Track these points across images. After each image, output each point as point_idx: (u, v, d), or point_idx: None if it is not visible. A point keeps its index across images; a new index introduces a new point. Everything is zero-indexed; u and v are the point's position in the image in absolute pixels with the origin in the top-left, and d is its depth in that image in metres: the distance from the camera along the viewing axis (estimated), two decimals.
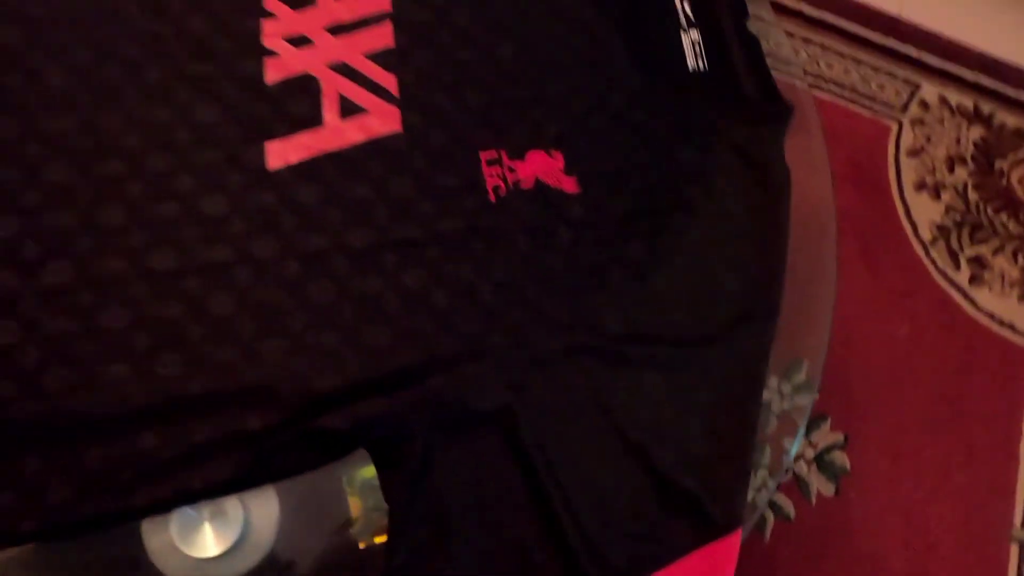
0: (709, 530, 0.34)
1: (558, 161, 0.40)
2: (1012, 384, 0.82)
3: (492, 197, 0.38)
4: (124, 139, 0.36)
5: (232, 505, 0.33)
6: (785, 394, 0.46)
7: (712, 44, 0.44)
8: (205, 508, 0.33)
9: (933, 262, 0.85)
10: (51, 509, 0.31)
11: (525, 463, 0.34)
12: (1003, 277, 0.85)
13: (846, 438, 0.77)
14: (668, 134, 0.41)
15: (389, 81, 0.39)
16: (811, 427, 0.76)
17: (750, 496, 0.39)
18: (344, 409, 0.33)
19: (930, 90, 0.92)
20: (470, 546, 0.33)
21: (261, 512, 0.33)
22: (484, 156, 0.39)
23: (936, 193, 0.88)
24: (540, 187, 0.39)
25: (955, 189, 0.88)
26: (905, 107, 0.91)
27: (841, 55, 0.93)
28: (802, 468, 0.75)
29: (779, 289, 0.40)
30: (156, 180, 0.36)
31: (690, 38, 0.44)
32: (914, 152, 0.89)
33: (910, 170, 0.88)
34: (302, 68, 0.39)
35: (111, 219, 0.35)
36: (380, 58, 0.40)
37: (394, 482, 0.33)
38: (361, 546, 0.36)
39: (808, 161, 0.47)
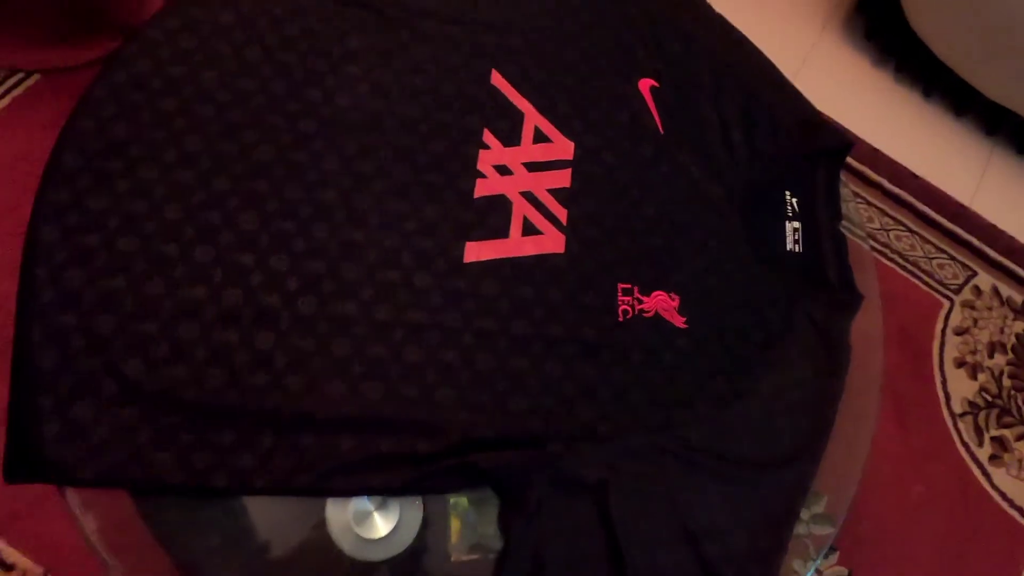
0: None
1: (675, 302, 0.52)
2: (1012, 561, 0.89)
3: (621, 318, 0.50)
4: (369, 217, 0.49)
5: (393, 504, 0.44)
6: (803, 520, 0.55)
7: (808, 235, 0.56)
8: (375, 501, 0.44)
9: (959, 433, 0.94)
10: (274, 475, 0.43)
11: (609, 530, 0.45)
12: (1021, 462, 0.93)
13: (850, 573, 0.85)
14: (763, 299, 0.53)
15: (561, 213, 0.52)
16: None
17: None
18: (488, 454, 0.45)
19: (985, 278, 1.02)
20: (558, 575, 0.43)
21: (410, 515, 0.45)
22: (620, 286, 0.51)
23: (974, 373, 0.97)
24: (657, 318, 0.51)
25: (991, 372, 0.97)
26: (959, 289, 1.01)
27: (910, 231, 1.04)
28: None
29: (824, 442, 0.50)
30: (387, 253, 0.49)
31: (792, 226, 0.56)
32: (960, 331, 0.99)
33: (953, 347, 0.98)
34: (501, 190, 0.52)
35: (351, 274, 0.48)
36: (558, 194, 0.53)
37: (512, 518, 0.44)
38: (452, 559, 0.47)
39: (864, 326, 0.56)
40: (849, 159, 1.06)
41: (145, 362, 0.44)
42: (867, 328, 0.56)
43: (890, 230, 1.03)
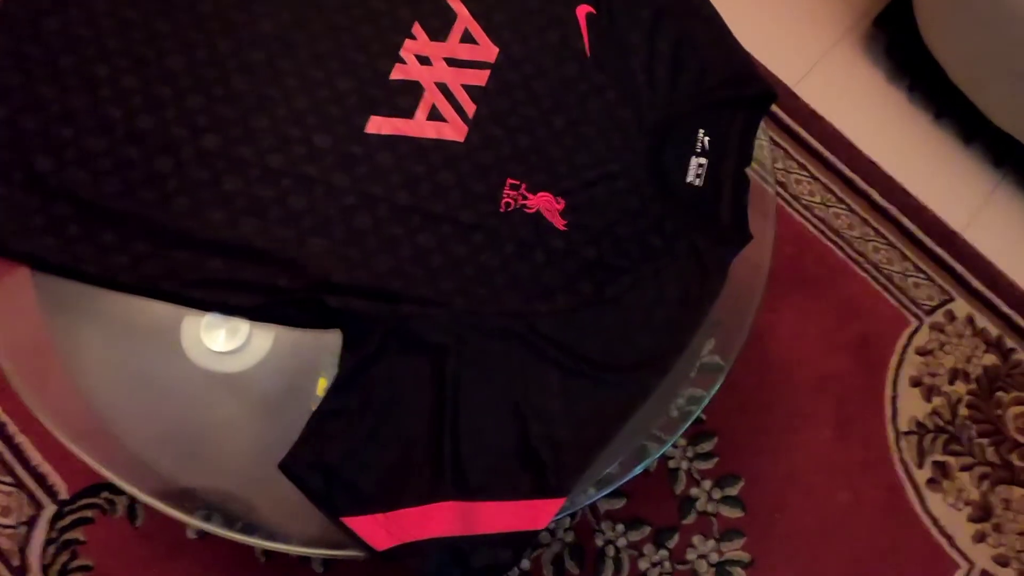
0: (543, 490, 0.46)
1: (560, 205, 0.54)
2: None
3: (502, 208, 0.52)
4: (287, 79, 0.54)
5: (244, 325, 0.48)
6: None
7: (712, 173, 0.57)
8: (227, 320, 0.48)
9: (899, 451, 0.91)
10: (142, 276, 0.47)
11: (440, 388, 0.47)
12: (960, 493, 0.90)
13: (752, 561, 0.83)
14: (649, 220, 0.54)
15: (471, 108, 0.55)
16: (725, 537, 0.84)
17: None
18: (341, 298, 0.48)
19: (962, 305, 0.99)
20: (377, 423, 0.46)
21: (261, 338, 0.48)
22: (509, 181, 0.53)
23: (928, 395, 0.94)
24: (538, 216, 0.53)
25: (948, 399, 0.94)
26: (932, 311, 0.99)
27: (891, 245, 1.02)
28: (702, 566, 0.82)
29: (674, 361, 0.51)
30: (295, 112, 0.53)
31: (697, 161, 0.57)
32: (924, 352, 0.96)
33: (913, 365, 0.95)
34: (416, 77, 0.55)
35: (257, 123, 0.52)
36: (472, 91, 0.56)
37: (347, 356, 0.47)
38: (312, 407, 0.50)
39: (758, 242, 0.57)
40: (843, 167, 1.05)
41: (54, 161, 0.49)
42: (756, 261, 0.57)
43: (870, 240, 1.01)
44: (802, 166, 1.05)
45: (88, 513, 0.75)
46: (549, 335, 0.50)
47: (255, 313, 0.48)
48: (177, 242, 0.48)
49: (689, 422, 0.54)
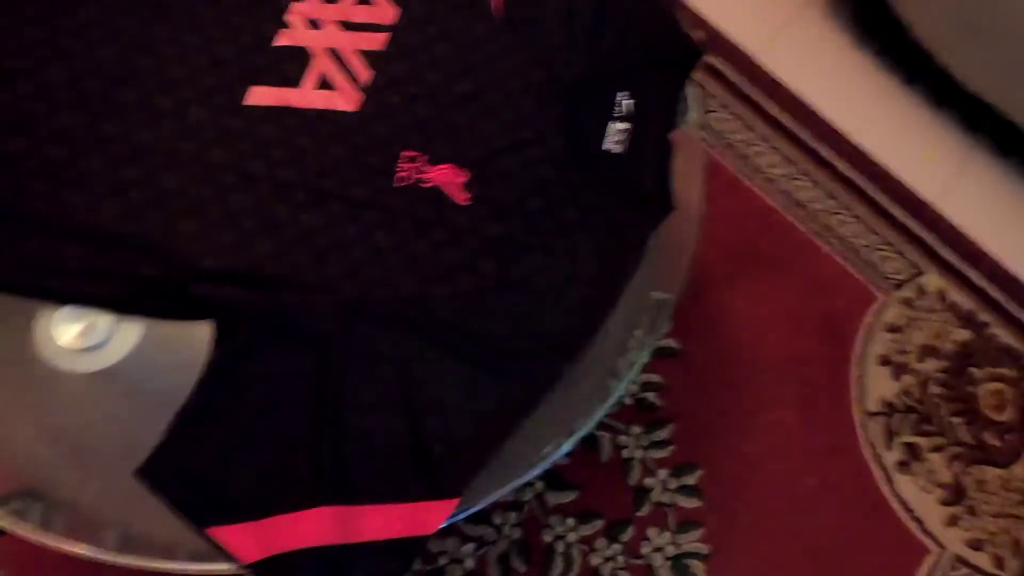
0: (435, 492, 0.42)
1: (463, 177, 0.49)
2: (900, 572, 0.82)
3: (396, 184, 0.48)
4: (161, 47, 0.49)
5: (105, 319, 0.43)
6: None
7: (634, 139, 0.52)
8: (85, 314, 0.43)
9: (867, 432, 0.87)
10: None
11: (322, 383, 0.43)
12: (931, 474, 0.86)
13: (711, 554, 0.79)
14: (560, 193, 0.50)
15: (365, 75, 0.50)
16: (682, 529, 0.80)
17: None
18: (211, 286, 0.43)
19: (933, 280, 0.95)
20: (249, 423, 0.42)
21: (126, 333, 0.44)
22: (405, 153, 0.49)
23: (897, 373, 0.90)
24: (437, 191, 0.48)
25: (918, 376, 0.90)
26: (900, 285, 0.94)
27: (857, 217, 0.97)
28: (657, 560, 0.78)
29: (586, 344, 0.47)
30: (168, 82, 0.48)
31: (618, 127, 0.52)
32: (892, 328, 0.92)
33: (880, 343, 0.91)
34: (304, 43, 0.50)
35: (126, 96, 0.47)
36: (368, 56, 0.51)
37: (217, 354, 0.42)
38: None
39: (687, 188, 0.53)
40: (807, 137, 1.00)
41: None
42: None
43: (835, 213, 0.97)
44: (764, 138, 1.00)
45: None
46: (447, 321, 0.45)
47: (115, 304, 0.44)
48: (29, 229, 0.44)
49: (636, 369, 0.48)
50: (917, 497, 0.85)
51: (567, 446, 0.47)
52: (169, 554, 0.40)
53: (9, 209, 0.44)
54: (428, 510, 0.41)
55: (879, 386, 0.89)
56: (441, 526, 0.41)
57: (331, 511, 0.40)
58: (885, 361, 0.91)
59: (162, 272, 0.44)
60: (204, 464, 0.40)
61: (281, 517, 0.40)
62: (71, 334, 0.42)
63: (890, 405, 0.89)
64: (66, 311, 0.43)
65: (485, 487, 0.44)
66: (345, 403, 0.42)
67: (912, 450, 0.87)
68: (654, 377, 0.85)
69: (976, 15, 0.89)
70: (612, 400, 0.49)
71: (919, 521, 0.84)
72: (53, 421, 0.43)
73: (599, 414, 0.48)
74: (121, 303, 0.44)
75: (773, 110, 1.02)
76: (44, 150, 0.45)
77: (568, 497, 0.79)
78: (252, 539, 0.39)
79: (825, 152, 1.00)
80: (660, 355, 0.86)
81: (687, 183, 0.53)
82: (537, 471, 0.46)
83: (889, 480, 0.85)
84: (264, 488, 0.40)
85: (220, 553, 0.39)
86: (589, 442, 0.82)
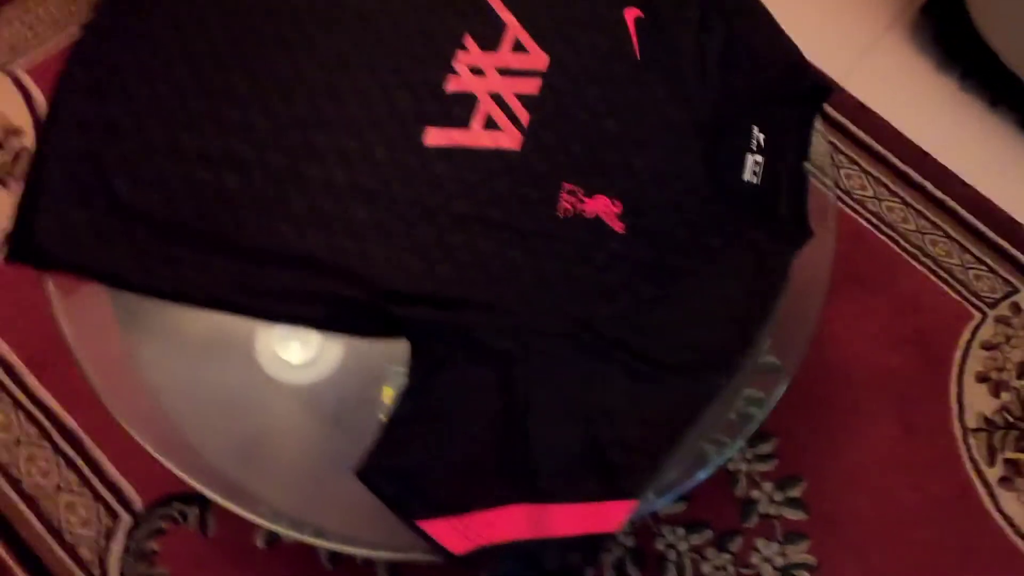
0: (612, 493, 0.46)
1: (617, 208, 0.54)
2: None
3: (560, 215, 0.53)
4: (346, 96, 0.55)
5: (314, 337, 0.49)
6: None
7: (770, 170, 0.57)
8: (298, 332, 0.49)
9: (968, 449, 0.88)
10: (215, 291, 0.49)
11: (505, 393, 0.47)
12: None
13: (817, 566, 0.82)
14: (705, 222, 0.54)
15: (524, 117, 0.56)
16: (789, 540, 0.82)
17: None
18: (405, 307, 0.49)
19: None
20: (446, 429, 0.47)
21: (332, 350, 0.49)
22: (565, 186, 0.54)
23: (996, 390, 0.91)
24: (597, 221, 0.53)
25: (1018, 394, 0.91)
26: (995, 303, 0.96)
27: (949, 237, 0.99)
28: (766, 570, 0.81)
29: (743, 360, 0.51)
30: (355, 127, 0.54)
31: (753, 159, 0.57)
32: (989, 346, 0.93)
33: (977, 360, 0.92)
34: (471, 88, 0.56)
35: (318, 140, 0.54)
36: (524, 99, 0.56)
37: (414, 365, 0.48)
38: (382, 418, 0.51)
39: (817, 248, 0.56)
40: (895, 160, 1.03)
41: (131, 184, 0.51)
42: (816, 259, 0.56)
43: (927, 234, 0.99)
44: (852, 160, 1.03)
45: (161, 524, 0.77)
46: (612, 337, 0.50)
47: (324, 324, 0.50)
48: (247, 257, 0.50)
49: (753, 425, 0.53)
50: (1021, 514, 0.86)
51: (703, 473, 0.51)
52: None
53: (230, 241, 0.50)
54: (609, 510, 0.46)
55: (978, 403, 0.91)
56: (622, 524, 0.45)
57: (524, 509, 0.45)
58: (983, 378, 0.92)
59: (361, 295, 0.49)
60: (411, 465, 0.45)
61: (481, 513, 0.44)
62: (292, 350, 0.48)
63: (990, 422, 0.90)
64: (284, 330, 0.49)
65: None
66: (528, 411, 0.47)
67: (1015, 466, 0.88)
68: (757, 392, 0.88)
69: None
70: (752, 427, 0.53)
71: None
72: (263, 425, 0.49)
73: (739, 441, 0.52)
74: (328, 322, 0.50)
75: (859, 133, 1.05)
76: (256, 188, 0.52)
77: (678, 508, 0.83)
78: (458, 532, 0.44)
79: (914, 174, 1.02)
80: (762, 371, 0.89)
81: (816, 247, 0.56)
82: (677, 492, 0.50)
83: (993, 496, 0.86)
84: (464, 487, 0.45)
85: (430, 545, 0.44)
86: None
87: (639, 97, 0.58)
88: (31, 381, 0.82)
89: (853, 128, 1.05)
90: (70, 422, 0.81)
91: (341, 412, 0.50)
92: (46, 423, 0.81)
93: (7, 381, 0.82)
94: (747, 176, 0.56)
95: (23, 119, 0.94)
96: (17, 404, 0.81)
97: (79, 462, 0.79)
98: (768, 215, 0.55)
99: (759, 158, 0.57)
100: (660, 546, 0.81)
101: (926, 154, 1.04)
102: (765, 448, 0.86)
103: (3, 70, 0.96)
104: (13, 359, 0.83)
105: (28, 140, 0.92)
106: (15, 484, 0.78)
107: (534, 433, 0.47)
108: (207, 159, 0.52)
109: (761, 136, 0.57)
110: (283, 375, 0.48)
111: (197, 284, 0.49)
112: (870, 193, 1.01)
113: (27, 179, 0.51)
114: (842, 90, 1.07)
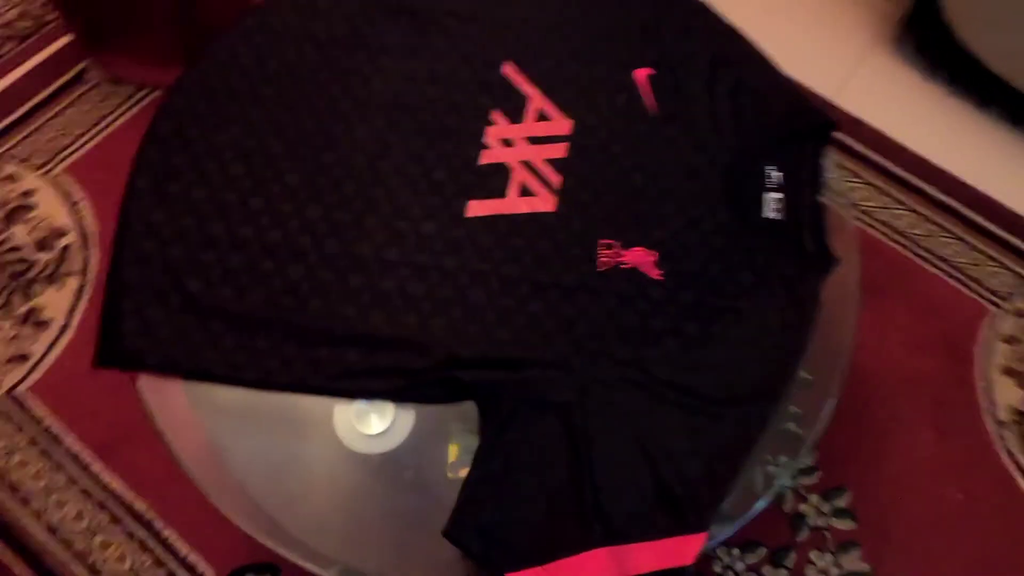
0: (683, 527, 0.49)
1: (653, 257, 0.57)
2: None
3: (600, 268, 0.57)
4: (388, 178, 0.59)
5: (388, 407, 0.53)
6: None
7: (789, 204, 0.60)
8: (372, 404, 0.53)
9: (1003, 441, 0.91)
10: (294, 375, 0.52)
11: (572, 442, 0.51)
12: None
13: (872, 571, 0.84)
14: (738, 257, 0.58)
15: (556, 179, 0.60)
16: (842, 549, 0.84)
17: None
18: (470, 371, 0.52)
19: None
20: (522, 482, 0.50)
21: (403, 418, 0.53)
22: (602, 242, 0.58)
23: (1022, 382, 0.94)
24: (635, 271, 0.57)
25: None
26: (1010, 296, 0.99)
27: (958, 238, 1.02)
28: None
29: (787, 387, 0.54)
30: (401, 207, 0.58)
31: (773, 196, 0.60)
32: (1009, 340, 0.96)
33: (1000, 354, 0.95)
34: (503, 159, 0.60)
35: (369, 223, 0.58)
36: (555, 163, 0.61)
37: (485, 425, 0.51)
38: (449, 476, 0.54)
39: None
40: (896, 168, 1.07)
41: (203, 282, 0.55)
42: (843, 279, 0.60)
43: (936, 236, 1.02)
44: (854, 173, 1.07)
45: None
46: (664, 378, 0.53)
47: (397, 395, 0.53)
48: (318, 341, 0.54)
49: (805, 446, 0.56)
50: None
51: (762, 502, 0.53)
52: None
53: (300, 326, 0.54)
54: (682, 544, 0.48)
55: (1006, 395, 0.93)
56: (697, 556, 0.48)
57: (605, 552, 0.48)
58: (1008, 371, 0.95)
59: (426, 364, 0.53)
60: (494, 521, 0.48)
61: (565, 560, 0.47)
62: (370, 423, 0.52)
63: (1020, 413, 0.92)
64: (360, 404, 0.52)
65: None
66: (594, 457, 0.50)
67: None
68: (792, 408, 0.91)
69: None
70: (805, 448, 0.56)
71: None
72: (345, 494, 0.52)
73: (798, 461, 0.55)
74: (399, 393, 0.53)
75: (857, 146, 1.09)
76: (317, 274, 0.55)
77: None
78: None
79: (915, 180, 1.06)
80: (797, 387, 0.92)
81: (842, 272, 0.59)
82: (743, 521, 0.53)
83: None
84: (544, 536, 0.48)
85: None
86: None
87: (660, 149, 0.62)
88: (97, 467, 0.86)
89: (850, 142, 1.09)
90: (139, 505, 0.84)
91: (411, 473, 0.53)
92: (117, 509, 0.84)
93: (76, 472, 0.85)
94: (769, 213, 0.60)
95: (66, 219, 0.99)
96: (87, 494, 0.84)
97: (152, 544, 0.82)
98: (794, 248, 0.59)
99: (779, 195, 0.61)
100: (718, 568, 0.83)
101: (924, 159, 1.08)
102: (806, 460, 0.89)
103: (45, 175, 1.01)
104: (78, 448, 0.87)
105: (73, 238, 0.96)
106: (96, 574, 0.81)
107: (601, 477, 0.50)
108: (268, 251, 0.56)
109: (778, 174, 0.61)
110: (362, 447, 0.52)
111: (275, 370, 0.53)
112: (875, 203, 1.05)
113: (106, 285, 0.55)
114: (836, 108, 1.12)
